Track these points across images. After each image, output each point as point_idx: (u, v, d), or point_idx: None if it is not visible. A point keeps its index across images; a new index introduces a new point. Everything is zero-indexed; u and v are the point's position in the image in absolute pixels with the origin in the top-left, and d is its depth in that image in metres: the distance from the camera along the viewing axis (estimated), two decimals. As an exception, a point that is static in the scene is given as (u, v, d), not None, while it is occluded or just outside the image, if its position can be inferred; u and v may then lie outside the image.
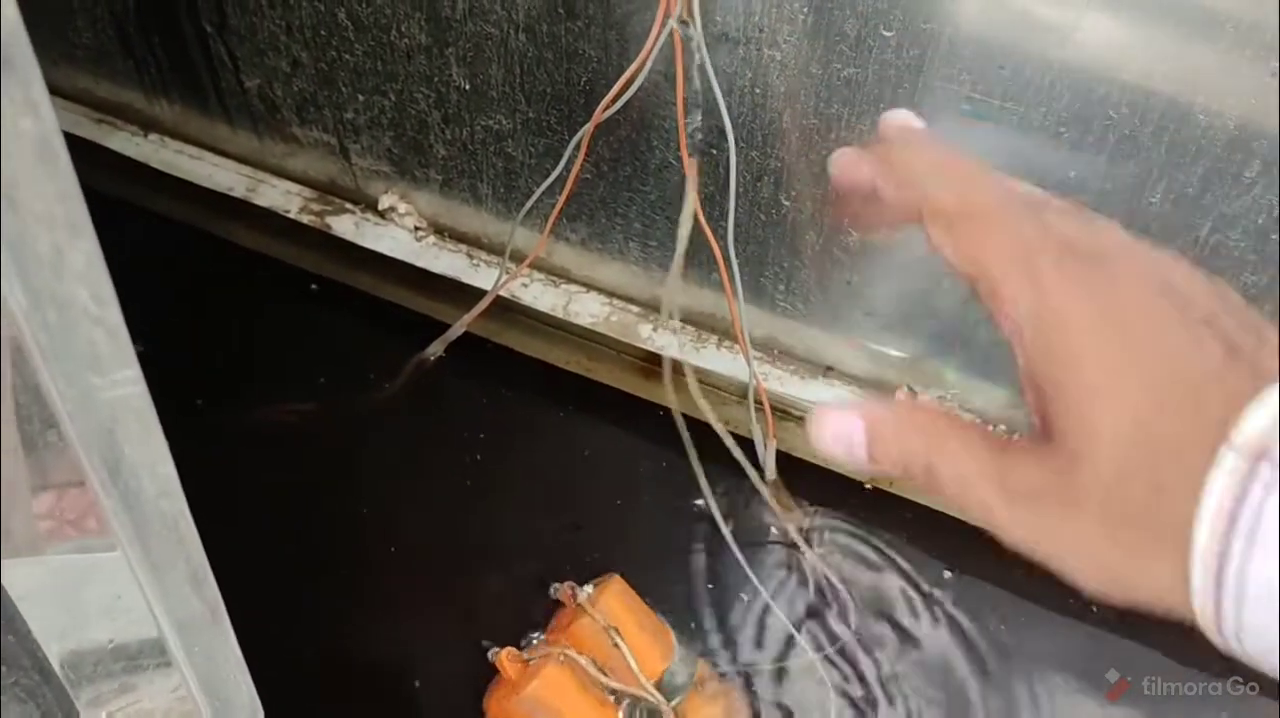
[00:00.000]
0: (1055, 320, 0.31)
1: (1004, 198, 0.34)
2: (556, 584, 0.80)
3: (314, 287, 1.00)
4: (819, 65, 0.70)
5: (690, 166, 0.65)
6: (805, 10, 0.67)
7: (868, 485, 0.91)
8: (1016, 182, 0.36)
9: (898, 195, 0.35)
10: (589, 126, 0.70)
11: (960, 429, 0.33)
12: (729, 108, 0.74)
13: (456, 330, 0.90)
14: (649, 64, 0.66)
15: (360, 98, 0.88)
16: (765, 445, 0.88)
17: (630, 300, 0.93)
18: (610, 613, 0.75)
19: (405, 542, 0.87)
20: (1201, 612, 0.29)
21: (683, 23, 0.62)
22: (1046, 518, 0.31)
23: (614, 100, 0.68)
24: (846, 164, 0.37)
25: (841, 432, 0.35)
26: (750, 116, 0.75)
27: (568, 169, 0.78)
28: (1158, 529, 0.29)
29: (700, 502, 0.85)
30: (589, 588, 0.78)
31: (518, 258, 0.94)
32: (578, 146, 0.74)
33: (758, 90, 0.73)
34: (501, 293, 0.91)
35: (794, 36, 0.69)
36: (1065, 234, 0.32)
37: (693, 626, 0.84)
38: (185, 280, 1.02)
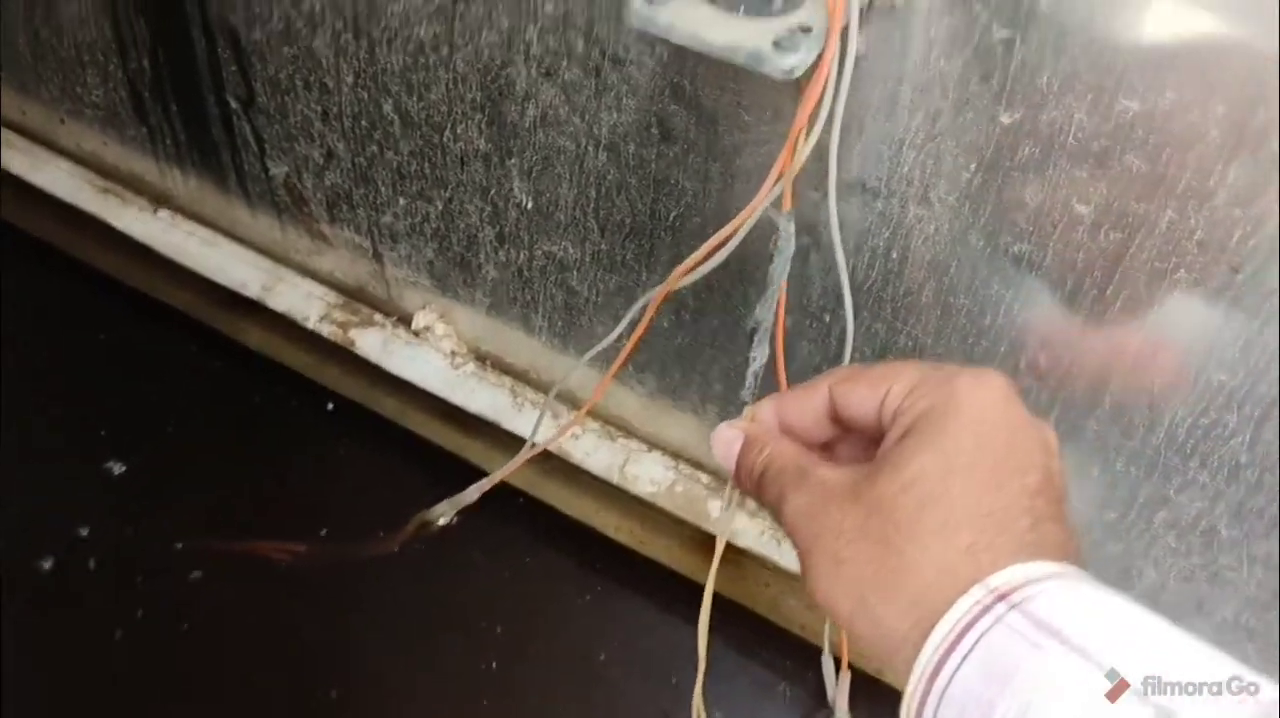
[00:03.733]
0: (957, 403, 0.37)
1: None
2: None
3: (330, 406, 0.85)
4: (981, 235, 0.54)
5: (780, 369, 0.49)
6: (973, 167, 0.52)
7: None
8: None
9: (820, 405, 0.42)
10: (662, 290, 0.54)
11: (812, 476, 0.39)
12: (854, 269, 0.59)
13: (470, 496, 0.74)
14: (748, 225, 0.50)
15: (402, 201, 0.74)
16: (838, 675, 0.71)
17: (700, 468, 0.77)
18: None
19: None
20: (910, 698, 0.34)
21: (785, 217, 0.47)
22: (841, 562, 0.36)
23: (700, 263, 0.52)
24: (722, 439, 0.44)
25: (726, 440, 0.44)
26: (880, 283, 0.59)
27: (631, 327, 0.62)
28: (909, 595, 0.34)
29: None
30: None
31: (567, 398, 0.78)
32: (644, 308, 0.58)
33: (894, 254, 0.57)
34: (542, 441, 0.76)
35: (952, 196, 0.53)
36: None
37: None
38: (182, 383, 0.87)
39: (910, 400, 0.38)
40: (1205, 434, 0.54)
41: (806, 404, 0.43)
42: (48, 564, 0.75)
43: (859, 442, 0.43)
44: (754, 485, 0.42)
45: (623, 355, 0.61)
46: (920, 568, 0.34)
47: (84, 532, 0.76)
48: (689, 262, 0.52)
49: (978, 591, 0.33)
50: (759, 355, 0.51)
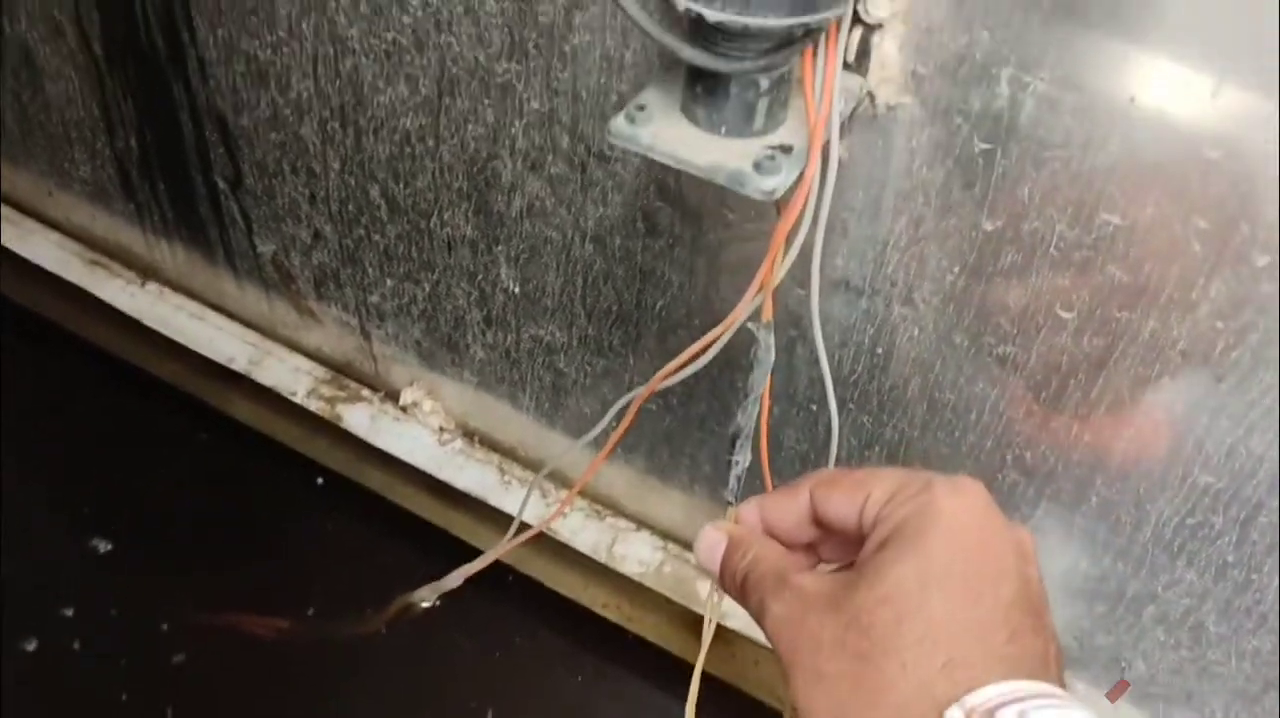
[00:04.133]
0: (935, 513, 0.37)
1: None
2: None
3: (320, 480, 0.85)
4: (965, 336, 0.54)
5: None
6: (956, 270, 0.52)
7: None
8: None
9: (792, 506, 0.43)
10: (644, 392, 0.54)
11: (792, 584, 0.39)
12: (839, 363, 0.59)
13: (453, 581, 0.73)
14: (728, 335, 0.50)
15: (389, 282, 0.74)
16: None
17: (689, 548, 0.77)
18: None
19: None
20: None
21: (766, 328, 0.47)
22: (821, 675, 0.36)
23: (681, 367, 0.52)
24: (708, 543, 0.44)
25: (711, 543, 0.44)
26: (865, 377, 0.59)
27: (618, 416, 0.62)
28: (887, 712, 0.34)
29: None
30: None
31: (554, 476, 0.78)
32: (629, 403, 0.57)
33: (879, 350, 0.57)
34: (529, 519, 0.75)
35: (936, 297, 0.53)
36: None
37: None
38: (169, 457, 0.87)
39: (889, 508, 0.38)
40: (1192, 534, 0.54)
41: (789, 507, 0.43)
42: (31, 646, 0.74)
43: (841, 543, 0.43)
44: (737, 590, 0.42)
45: (606, 448, 0.60)
46: (898, 685, 0.34)
47: (68, 612, 0.76)
48: (670, 366, 0.52)
49: (955, 711, 0.33)
50: (741, 460, 0.51)
